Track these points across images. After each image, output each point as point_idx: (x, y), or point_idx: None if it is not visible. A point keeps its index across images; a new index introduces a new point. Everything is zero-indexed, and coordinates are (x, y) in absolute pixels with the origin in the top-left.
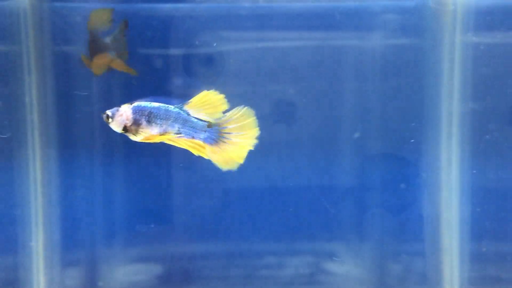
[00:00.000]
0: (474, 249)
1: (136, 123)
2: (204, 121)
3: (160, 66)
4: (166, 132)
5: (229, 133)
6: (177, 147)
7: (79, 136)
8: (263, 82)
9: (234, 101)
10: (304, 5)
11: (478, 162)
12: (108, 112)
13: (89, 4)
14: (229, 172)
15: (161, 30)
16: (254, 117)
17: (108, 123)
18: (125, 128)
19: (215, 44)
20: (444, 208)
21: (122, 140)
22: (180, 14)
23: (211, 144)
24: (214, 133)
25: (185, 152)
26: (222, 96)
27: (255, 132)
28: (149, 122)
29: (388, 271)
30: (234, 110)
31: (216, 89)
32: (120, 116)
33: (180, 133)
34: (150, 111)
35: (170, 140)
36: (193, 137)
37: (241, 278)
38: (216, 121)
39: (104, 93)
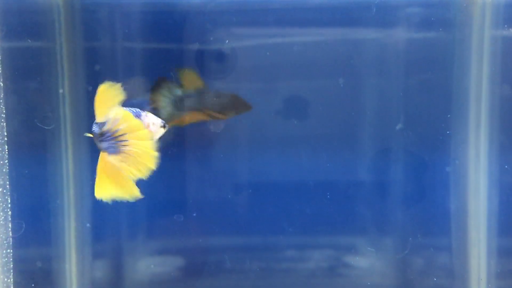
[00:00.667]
0: (502, 243)
1: None
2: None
3: (173, 61)
4: None
5: (123, 134)
6: (208, 141)
7: None
8: (282, 78)
9: (253, 96)
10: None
11: (506, 156)
12: None
13: (116, 0)
14: (252, 167)
15: (173, 25)
16: (133, 118)
17: None
18: None
19: (227, 41)
20: (471, 201)
21: None
22: (193, 9)
23: (115, 154)
24: (110, 140)
25: (210, 146)
26: (117, 86)
27: (145, 131)
28: None
29: (413, 265)
30: (112, 115)
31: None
32: None
33: None
34: None
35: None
36: None
37: (261, 271)
38: (103, 128)
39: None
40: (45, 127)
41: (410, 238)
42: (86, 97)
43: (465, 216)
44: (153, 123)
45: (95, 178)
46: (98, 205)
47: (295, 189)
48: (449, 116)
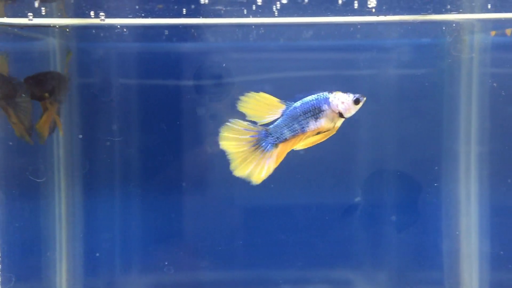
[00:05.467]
0: (493, 282)
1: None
2: None
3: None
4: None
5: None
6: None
7: (101, 174)
8: None
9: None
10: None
11: (496, 197)
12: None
13: (109, 44)
14: (245, 202)
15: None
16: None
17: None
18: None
19: (224, 65)
20: (463, 242)
21: (140, 178)
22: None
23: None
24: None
25: (201, 187)
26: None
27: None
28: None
29: None
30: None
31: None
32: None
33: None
34: None
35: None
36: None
37: None
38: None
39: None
40: (37, 180)
41: (404, 276)
42: (79, 143)
43: (457, 256)
44: (343, 102)
45: (86, 221)
46: (89, 246)
47: (289, 224)
48: (436, 168)
